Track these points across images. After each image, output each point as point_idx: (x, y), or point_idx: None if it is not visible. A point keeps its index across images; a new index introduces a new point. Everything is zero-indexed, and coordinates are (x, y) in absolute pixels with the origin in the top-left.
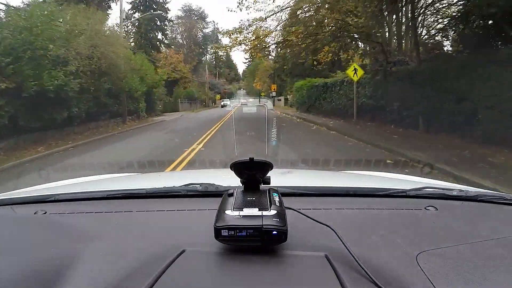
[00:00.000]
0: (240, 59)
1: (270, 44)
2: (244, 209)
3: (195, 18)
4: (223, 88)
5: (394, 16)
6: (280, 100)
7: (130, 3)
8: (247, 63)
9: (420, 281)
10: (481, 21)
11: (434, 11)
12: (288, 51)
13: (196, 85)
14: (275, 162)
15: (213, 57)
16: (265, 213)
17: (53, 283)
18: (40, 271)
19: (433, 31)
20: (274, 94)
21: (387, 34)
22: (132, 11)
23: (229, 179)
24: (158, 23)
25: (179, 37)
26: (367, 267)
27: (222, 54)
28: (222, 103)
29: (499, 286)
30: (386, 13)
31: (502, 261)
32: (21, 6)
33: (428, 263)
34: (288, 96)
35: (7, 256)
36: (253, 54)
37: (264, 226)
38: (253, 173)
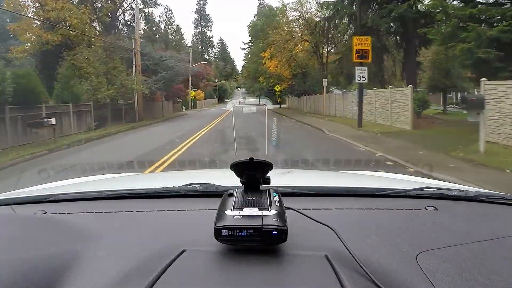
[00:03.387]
0: (237, 44)
1: None
2: (244, 209)
3: None
4: (199, 75)
5: None
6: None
7: None
8: (247, 48)
9: (420, 281)
10: None
11: None
12: None
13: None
14: (275, 162)
15: (199, 37)
16: (265, 213)
17: (53, 283)
18: (40, 271)
19: None
20: (363, 79)
21: None
22: None
23: (229, 179)
24: None
25: None
26: (367, 267)
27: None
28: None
29: (500, 286)
30: None
31: (502, 261)
32: None
33: (428, 263)
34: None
35: (7, 256)
36: None
37: (264, 226)
38: (253, 173)
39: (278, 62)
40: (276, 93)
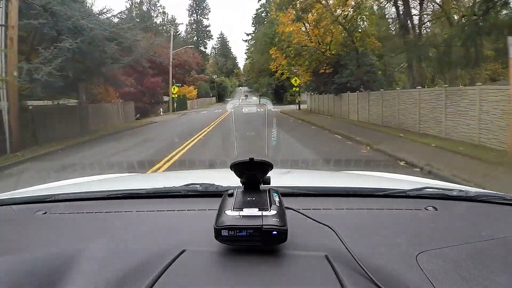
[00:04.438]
0: (239, 36)
1: None
2: (244, 209)
3: None
4: (185, 65)
5: None
6: None
7: None
8: (250, 39)
9: (420, 281)
10: None
11: None
12: None
13: None
14: (275, 162)
15: (194, 27)
16: (265, 213)
17: (53, 283)
18: (40, 271)
19: None
20: None
21: None
22: None
23: (229, 179)
24: None
25: None
26: (367, 267)
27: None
28: None
29: (499, 286)
30: None
31: (502, 261)
32: None
33: (428, 263)
34: None
35: (7, 256)
36: None
37: (264, 226)
38: (253, 173)
39: (315, 25)
40: (294, 88)
